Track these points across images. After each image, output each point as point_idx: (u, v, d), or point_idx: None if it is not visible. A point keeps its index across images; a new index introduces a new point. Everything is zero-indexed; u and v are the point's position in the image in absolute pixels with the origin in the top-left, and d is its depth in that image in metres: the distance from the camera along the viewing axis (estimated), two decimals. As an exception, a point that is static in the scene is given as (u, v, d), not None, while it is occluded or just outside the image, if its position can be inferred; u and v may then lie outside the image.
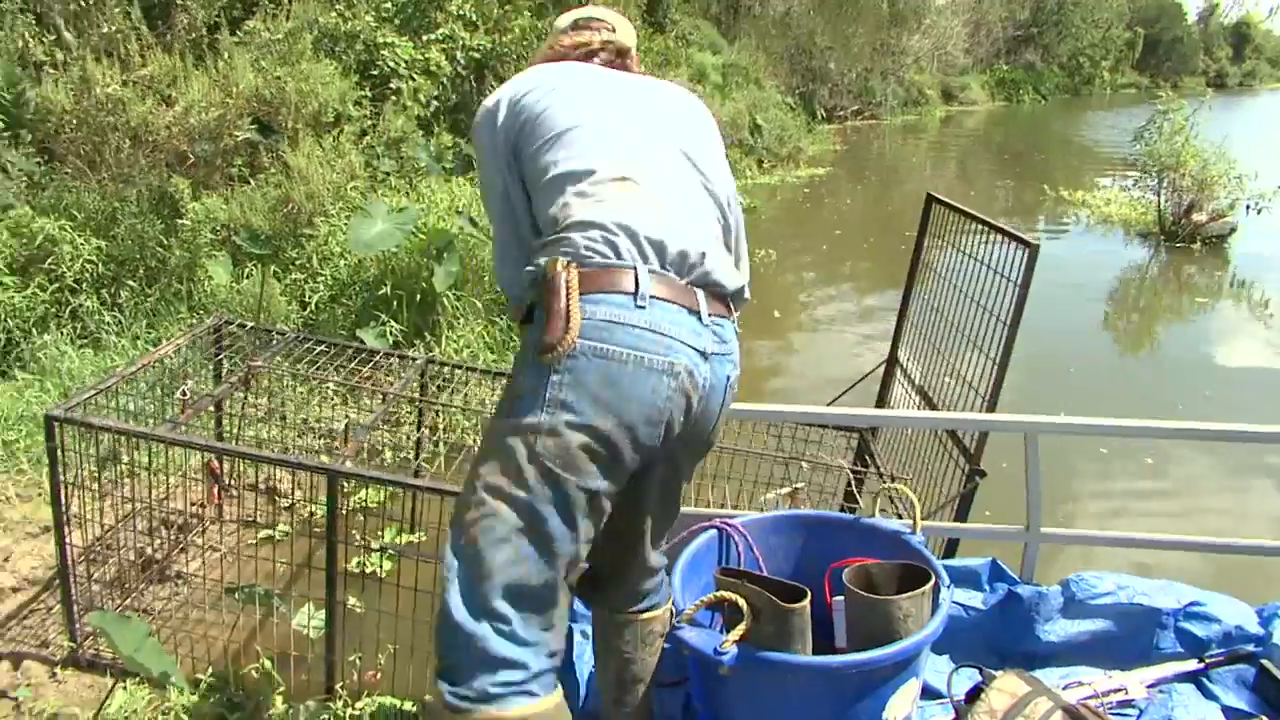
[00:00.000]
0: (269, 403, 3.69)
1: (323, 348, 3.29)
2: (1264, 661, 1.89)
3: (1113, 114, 26.82)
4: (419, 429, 3.51)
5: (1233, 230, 9.98)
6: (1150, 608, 2.00)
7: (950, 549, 2.53)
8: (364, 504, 3.45)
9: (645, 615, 1.69)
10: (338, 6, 7.30)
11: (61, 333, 4.74)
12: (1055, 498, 2.72)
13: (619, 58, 1.74)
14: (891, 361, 3.44)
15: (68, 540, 2.67)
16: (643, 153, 1.50)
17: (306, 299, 5.15)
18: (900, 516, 2.53)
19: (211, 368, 3.30)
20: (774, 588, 1.53)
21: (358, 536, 3.17)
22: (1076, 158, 18.35)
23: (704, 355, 1.40)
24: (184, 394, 2.71)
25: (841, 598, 1.65)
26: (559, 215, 1.42)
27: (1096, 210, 11.77)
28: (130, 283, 5.11)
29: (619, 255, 1.36)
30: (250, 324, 3.36)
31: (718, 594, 1.52)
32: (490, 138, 1.57)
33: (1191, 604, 2.02)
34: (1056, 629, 2.02)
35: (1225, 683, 1.92)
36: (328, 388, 3.85)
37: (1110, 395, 5.68)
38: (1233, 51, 65.55)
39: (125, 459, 2.99)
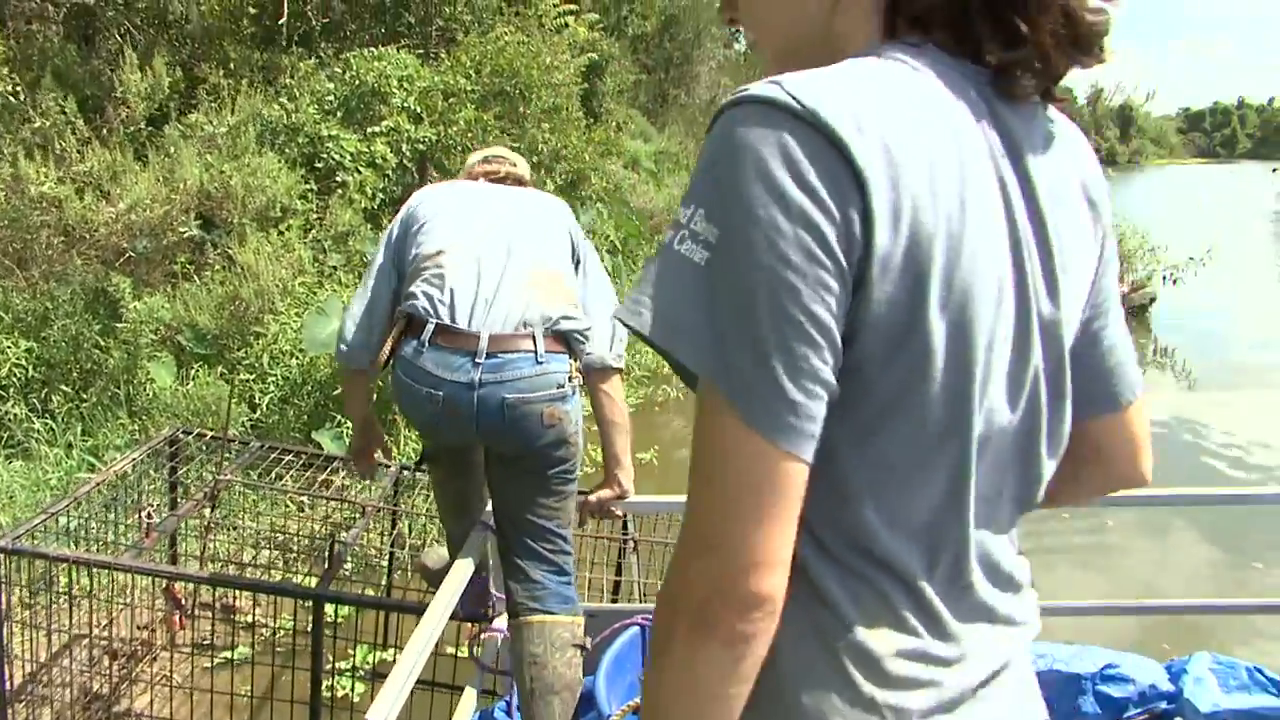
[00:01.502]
0: (220, 513, 3.48)
1: (290, 456, 3.13)
2: (1177, 719, 2.02)
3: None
4: (391, 541, 3.34)
5: (1153, 300, 10.37)
6: (1070, 674, 2.10)
7: None
8: (328, 619, 3.25)
9: (549, 618, 1.89)
10: (280, 99, 7.24)
11: (-14, 444, 4.44)
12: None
13: (518, 184, 2.26)
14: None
15: (6, 683, 2.44)
16: (472, 241, 1.95)
17: (256, 401, 4.94)
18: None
19: (166, 483, 3.10)
20: None
21: (329, 658, 2.97)
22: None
23: (469, 386, 1.79)
24: (147, 516, 2.52)
25: None
26: (407, 284, 1.98)
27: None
28: (64, 387, 4.83)
29: (421, 310, 1.86)
30: (210, 433, 3.18)
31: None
32: (393, 231, 2.09)
33: (1106, 666, 2.12)
34: None
35: None
36: (292, 497, 3.65)
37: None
38: (1120, 131, 70.37)
39: (67, 585, 2.76)
